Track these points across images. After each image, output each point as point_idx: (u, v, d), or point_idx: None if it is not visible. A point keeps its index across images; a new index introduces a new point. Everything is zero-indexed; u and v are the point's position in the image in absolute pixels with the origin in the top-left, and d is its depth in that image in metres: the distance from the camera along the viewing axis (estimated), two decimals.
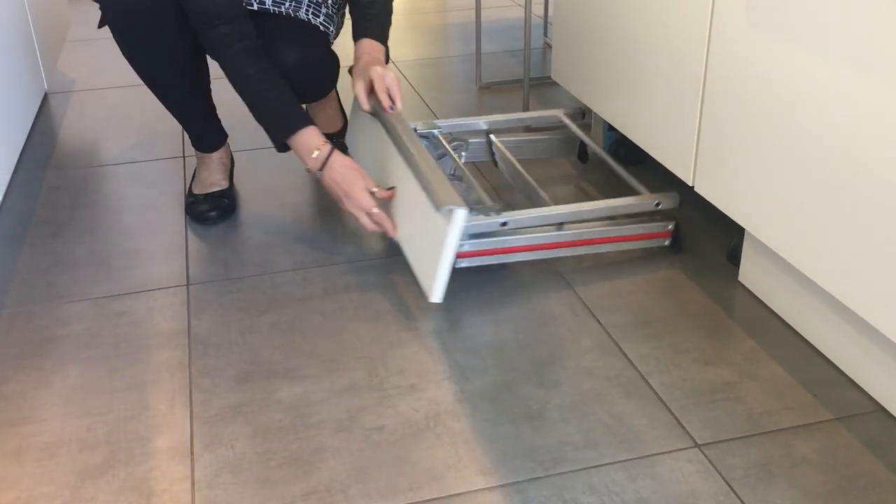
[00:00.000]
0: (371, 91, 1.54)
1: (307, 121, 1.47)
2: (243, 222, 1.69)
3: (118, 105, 2.30)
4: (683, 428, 1.14)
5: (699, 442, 1.11)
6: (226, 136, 1.77)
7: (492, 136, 1.81)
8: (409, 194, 1.45)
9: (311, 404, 1.19)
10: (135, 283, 1.48)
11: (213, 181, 1.73)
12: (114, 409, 1.18)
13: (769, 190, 1.23)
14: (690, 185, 1.44)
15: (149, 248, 1.60)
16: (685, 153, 1.43)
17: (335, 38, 1.75)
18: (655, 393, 1.20)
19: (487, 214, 1.44)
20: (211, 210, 1.68)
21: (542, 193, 1.56)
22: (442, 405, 1.18)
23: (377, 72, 1.51)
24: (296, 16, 1.61)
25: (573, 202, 1.51)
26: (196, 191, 1.71)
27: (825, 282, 1.15)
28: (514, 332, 1.34)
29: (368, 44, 1.59)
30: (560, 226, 1.49)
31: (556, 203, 1.51)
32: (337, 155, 1.46)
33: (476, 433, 1.13)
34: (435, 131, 1.79)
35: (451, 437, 1.13)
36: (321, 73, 1.65)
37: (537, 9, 2.99)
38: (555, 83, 2.32)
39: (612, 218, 1.53)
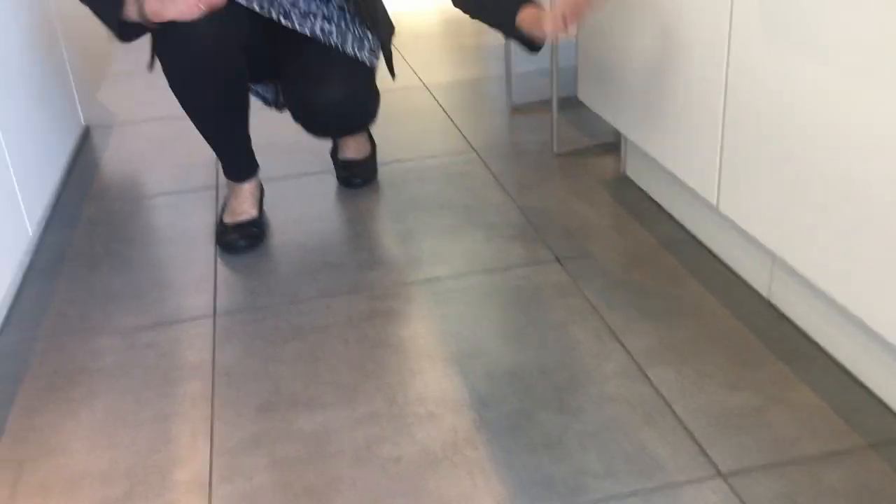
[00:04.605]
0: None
1: None
2: (271, 251, 1.71)
3: (157, 137, 2.35)
4: (707, 456, 1.11)
5: (723, 471, 1.08)
6: (258, 166, 1.80)
7: None
8: None
9: (330, 433, 1.19)
10: (164, 314, 1.51)
11: (243, 210, 1.75)
12: (137, 441, 1.20)
13: (793, 212, 1.20)
14: (715, 204, 1.41)
15: (180, 279, 1.62)
16: (709, 174, 1.40)
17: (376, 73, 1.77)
18: (679, 420, 1.17)
19: None
20: (240, 239, 1.70)
21: None
22: (460, 433, 1.17)
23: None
24: (343, 50, 1.63)
25: None
26: (226, 220, 1.74)
27: (855, 307, 1.11)
28: (535, 357, 1.32)
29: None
30: None
31: None
32: None
33: (494, 462, 1.12)
34: None
35: (468, 466, 1.12)
36: (366, 110, 1.68)
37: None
38: None
39: None
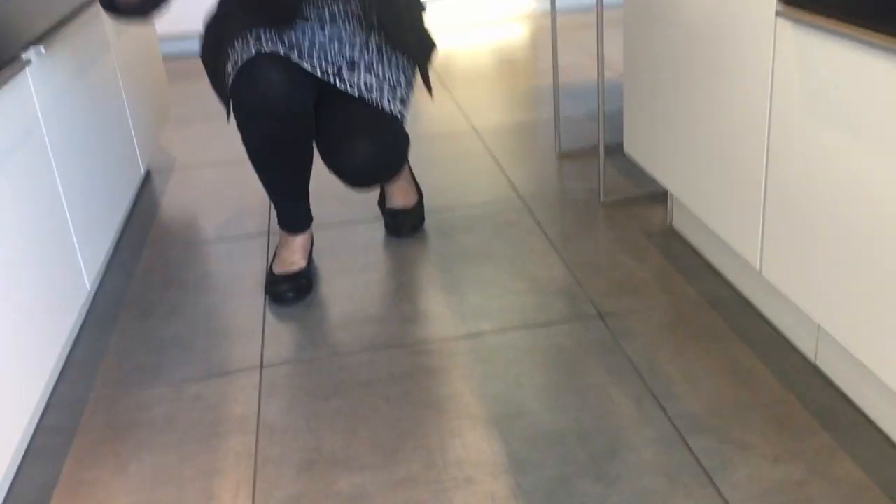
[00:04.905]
0: None
1: None
2: (319, 301, 1.74)
3: (213, 182, 2.42)
4: None
5: None
6: (312, 219, 1.84)
7: None
8: None
9: (367, 497, 1.20)
10: (213, 365, 1.55)
11: (293, 261, 1.79)
12: (181, 498, 1.23)
13: (837, 284, 1.18)
14: (758, 269, 1.39)
15: (229, 328, 1.67)
16: (751, 238, 1.39)
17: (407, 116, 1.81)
18: (719, 492, 1.16)
19: None
20: (289, 291, 1.74)
21: None
22: (497, 500, 1.18)
23: None
24: (380, 105, 1.66)
25: None
26: (276, 270, 1.78)
27: None
28: (575, 420, 1.32)
29: None
30: None
31: None
32: None
33: None
34: None
35: None
36: (395, 161, 1.71)
37: (620, 66, 2.98)
38: None
39: None
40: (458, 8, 4.33)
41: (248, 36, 1.63)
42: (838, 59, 1.09)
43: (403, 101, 1.73)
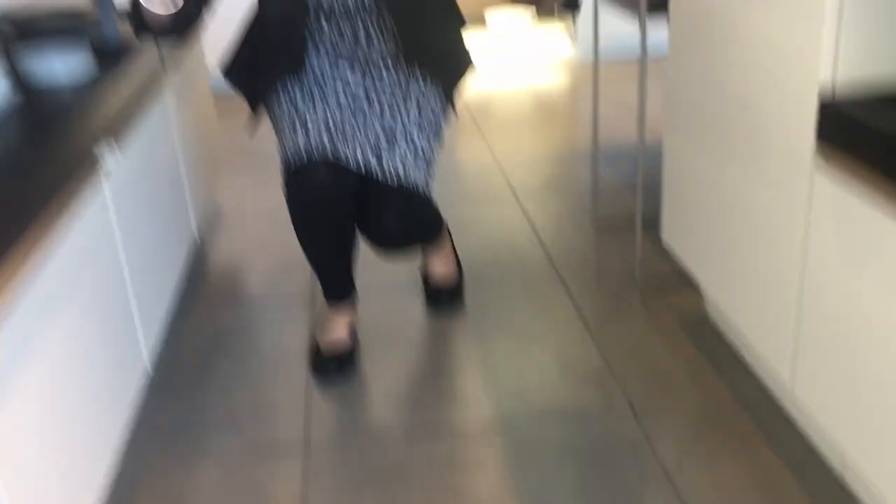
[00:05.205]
0: None
1: None
2: (362, 379, 1.81)
3: (259, 234, 2.50)
4: None
5: None
6: (356, 293, 1.91)
7: None
8: None
9: None
10: (259, 443, 1.62)
11: (337, 336, 1.86)
12: None
13: (866, 417, 1.22)
14: (789, 387, 1.43)
15: (275, 402, 1.74)
16: (784, 355, 1.43)
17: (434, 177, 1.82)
18: None
19: None
20: (333, 369, 1.81)
21: None
22: None
23: None
24: (413, 182, 1.70)
25: None
26: (320, 342, 1.85)
27: None
28: None
29: None
30: None
31: None
32: None
33: None
34: None
35: None
36: (422, 233, 1.81)
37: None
38: None
39: None
40: (497, 52, 4.39)
41: (289, 106, 1.71)
42: (872, 214, 1.13)
43: (431, 162, 1.76)
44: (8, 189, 1.13)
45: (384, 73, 1.75)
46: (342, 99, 1.73)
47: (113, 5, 1.85)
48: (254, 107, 1.81)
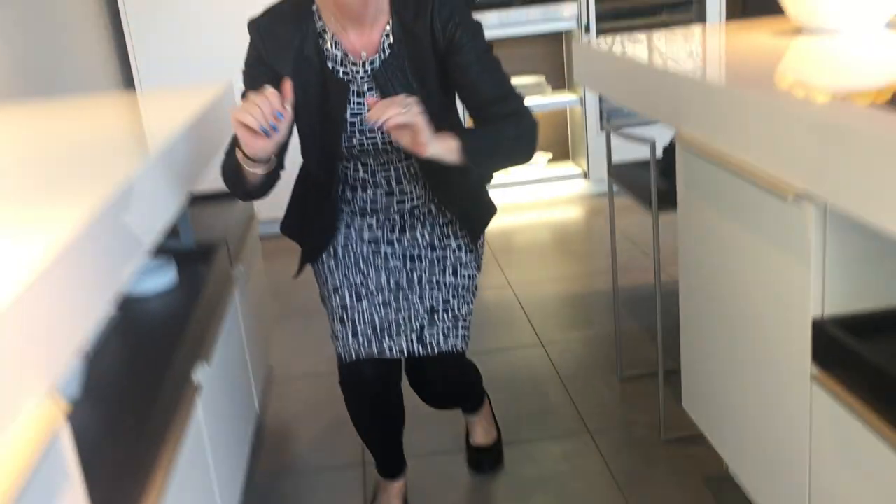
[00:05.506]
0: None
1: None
2: None
3: (310, 397, 2.71)
4: None
5: None
6: (406, 466, 2.10)
7: None
8: None
9: None
10: None
11: None
12: None
13: None
14: None
15: None
16: None
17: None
18: None
19: None
20: None
21: None
22: None
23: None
24: (453, 348, 1.87)
25: None
26: None
27: None
28: None
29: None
30: None
31: None
32: None
33: None
34: None
35: None
36: (465, 389, 2.08)
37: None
38: None
39: None
40: (512, 188, 4.67)
41: (334, 283, 1.85)
42: (866, 435, 1.32)
43: (469, 320, 1.91)
44: (121, 427, 1.34)
45: (418, 235, 1.86)
46: (383, 281, 1.85)
47: (188, 216, 2.11)
48: (304, 262, 1.93)
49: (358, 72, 1.73)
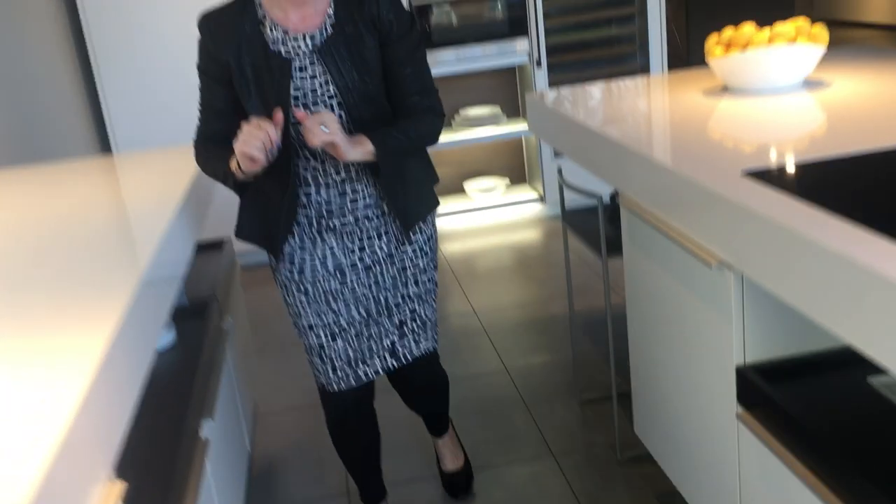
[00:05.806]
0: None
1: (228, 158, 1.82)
2: None
3: (293, 430, 2.90)
4: None
5: None
6: (386, 493, 2.31)
7: None
8: None
9: None
10: None
11: None
12: None
13: None
14: None
15: None
16: None
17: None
18: None
19: None
20: None
21: None
22: None
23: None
24: (425, 351, 2.10)
25: None
26: None
27: None
28: None
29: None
30: None
31: None
32: None
33: None
34: None
35: None
36: (440, 384, 2.31)
37: None
38: None
39: None
40: (472, 213, 4.91)
41: (301, 307, 1.98)
42: (784, 471, 1.57)
43: (435, 319, 2.13)
44: (145, 497, 1.52)
45: (376, 247, 1.97)
46: (354, 314, 1.97)
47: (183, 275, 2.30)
48: (275, 254, 1.98)
49: (300, 47, 1.82)
